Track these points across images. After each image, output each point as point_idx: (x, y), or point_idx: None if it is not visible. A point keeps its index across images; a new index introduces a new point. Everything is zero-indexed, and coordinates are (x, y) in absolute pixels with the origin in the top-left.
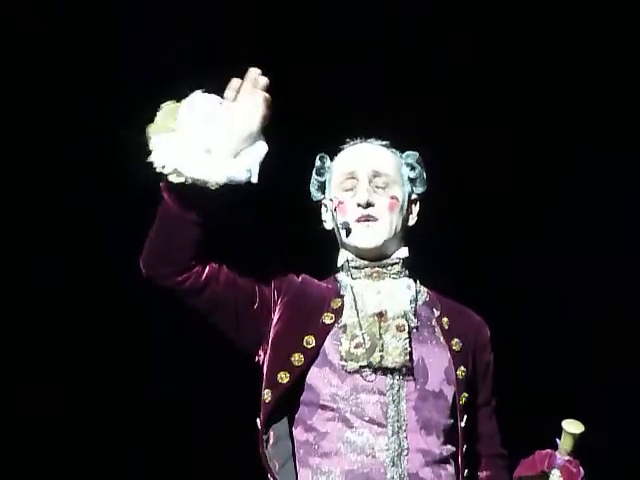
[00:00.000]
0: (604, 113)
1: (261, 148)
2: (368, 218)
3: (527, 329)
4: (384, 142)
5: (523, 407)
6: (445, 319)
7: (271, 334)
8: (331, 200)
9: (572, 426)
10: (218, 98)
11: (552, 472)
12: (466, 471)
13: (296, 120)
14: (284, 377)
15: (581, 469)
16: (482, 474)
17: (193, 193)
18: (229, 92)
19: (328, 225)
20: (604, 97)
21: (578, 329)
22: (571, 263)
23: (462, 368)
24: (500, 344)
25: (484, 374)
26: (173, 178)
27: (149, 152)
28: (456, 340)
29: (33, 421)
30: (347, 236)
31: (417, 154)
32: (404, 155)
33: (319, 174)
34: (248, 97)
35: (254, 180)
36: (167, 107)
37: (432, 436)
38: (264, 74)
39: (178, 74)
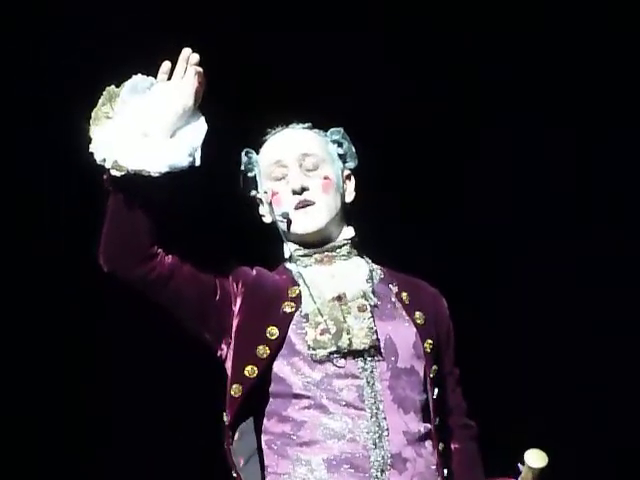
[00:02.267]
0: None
1: (200, 128)
2: (305, 204)
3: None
4: (306, 124)
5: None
6: (404, 294)
7: (233, 327)
8: (265, 193)
9: (535, 458)
10: (153, 79)
11: None
12: (440, 445)
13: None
14: (252, 371)
15: None
16: (450, 447)
17: (138, 181)
18: (161, 75)
19: (267, 219)
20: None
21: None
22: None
23: (429, 341)
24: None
25: (446, 345)
26: (115, 172)
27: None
28: (419, 313)
29: None
30: (288, 227)
31: (341, 129)
32: (328, 133)
33: (247, 170)
34: (181, 74)
35: (197, 164)
36: (105, 93)
37: (410, 414)
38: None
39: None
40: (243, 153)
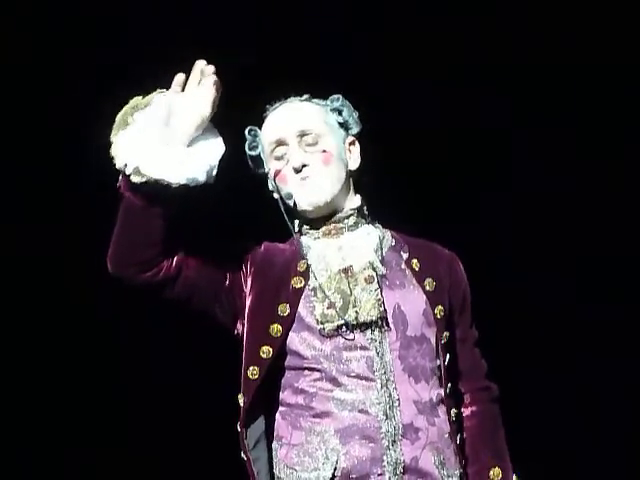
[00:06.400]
0: None
1: (218, 147)
2: (307, 179)
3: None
4: (304, 96)
5: None
6: (414, 260)
7: (246, 307)
8: (268, 171)
9: None
10: (171, 93)
11: None
12: (453, 411)
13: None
14: (267, 352)
15: None
16: (467, 411)
17: (155, 189)
18: (175, 87)
19: (276, 195)
20: None
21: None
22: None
23: (439, 307)
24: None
25: (461, 308)
26: (135, 178)
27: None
28: (429, 280)
29: None
30: (295, 205)
31: (340, 96)
32: (328, 102)
33: (252, 148)
34: (197, 84)
35: (211, 181)
36: (130, 103)
37: (421, 382)
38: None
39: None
40: (246, 131)
